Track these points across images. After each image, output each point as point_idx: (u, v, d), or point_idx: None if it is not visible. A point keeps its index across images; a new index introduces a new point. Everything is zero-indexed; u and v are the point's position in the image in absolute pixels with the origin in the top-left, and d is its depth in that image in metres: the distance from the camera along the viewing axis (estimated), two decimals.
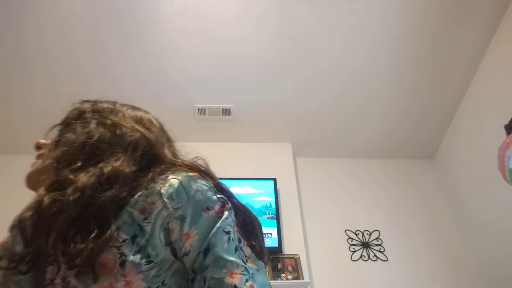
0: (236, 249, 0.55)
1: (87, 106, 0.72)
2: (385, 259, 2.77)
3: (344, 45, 2.67)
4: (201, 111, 2.97)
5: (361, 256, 2.78)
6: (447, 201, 3.11)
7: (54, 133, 0.71)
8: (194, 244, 0.54)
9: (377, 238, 2.87)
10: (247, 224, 0.62)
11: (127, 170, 0.60)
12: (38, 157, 0.73)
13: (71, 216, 0.53)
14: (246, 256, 0.56)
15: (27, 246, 0.53)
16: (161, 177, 0.59)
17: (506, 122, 2.26)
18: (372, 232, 2.90)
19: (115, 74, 2.73)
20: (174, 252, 0.55)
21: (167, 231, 0.54)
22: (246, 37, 2.60)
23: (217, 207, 0.58)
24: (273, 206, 2.76)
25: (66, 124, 0.70)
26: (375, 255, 2.79)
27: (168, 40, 2.58)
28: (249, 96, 2.92)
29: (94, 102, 0.74)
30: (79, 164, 0.60)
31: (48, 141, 0.72)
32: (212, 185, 0.61)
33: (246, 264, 0.54)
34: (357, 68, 2.79)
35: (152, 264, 0.52)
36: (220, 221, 0.56)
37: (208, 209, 0.57)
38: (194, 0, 2.41)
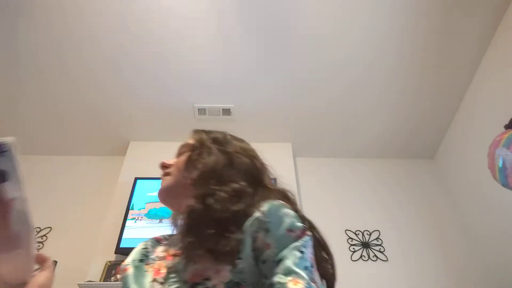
0: (306, 268, 0.61)
1: (204, 136, 0.88)
2: (385, 259, 2.77)
3: (345, 47, 2.67)
4: (201, 111, 2.97)
5: (361, 256, 2.78)
6: (447, 201, 3.11)
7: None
8: (271, 254, 0.63)
9: (377, 238, 2.87)
10: (321, 253, 0.74)
11: (248, 190, 0.75)
12: (165, 174, 0.87)
13: (214, 218, 0.68)
14: (314, 279, 0.62)
15: (182, 241, 0.69)
16: (262, 200, 0.70)
17: (506, 122, 2.26)
18: (372, 232, 2.90)
19: (115, 73, 2.73)
20: (256, 258, 0.64)
21: (254, 238, 0.65)
22: (246, 37, 2.60)
23: (298, 232, 0.66)
24: None
25: (192, 150, 0.85)
26: (375, 255, 2.79)
27: (168, 40, 2.58)
28: (249, 96, 2.92)
29: (208, 132, 0.90)
30: (214, 182, 0.75)
31: (172, 162, 0.87)
32: (297, 214, 0.71)
33: (311, 283, 0.60)
34: (359, 69, 2.78)
35: (239, 260, 0.63)
36: (297, 242, 0.64)
37: (291, 231, 0.65)
38: (194, 1, 2.42)
